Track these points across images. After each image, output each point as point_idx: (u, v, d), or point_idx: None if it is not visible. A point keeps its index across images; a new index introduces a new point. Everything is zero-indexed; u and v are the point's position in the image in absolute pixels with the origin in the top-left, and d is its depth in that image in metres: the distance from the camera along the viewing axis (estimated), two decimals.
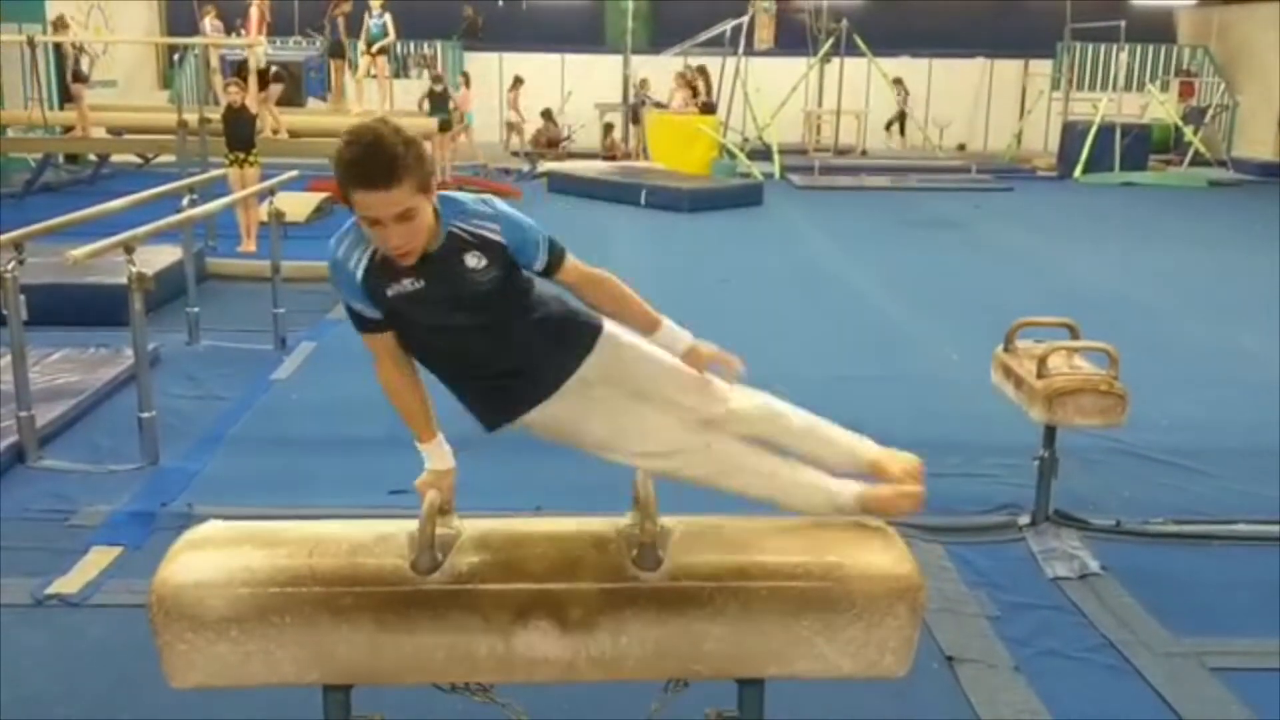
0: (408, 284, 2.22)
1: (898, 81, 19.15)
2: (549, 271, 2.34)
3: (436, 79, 14.92)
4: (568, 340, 2.38)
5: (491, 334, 2.31)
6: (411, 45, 19.08)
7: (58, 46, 13.37)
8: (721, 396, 2.46)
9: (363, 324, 2.31)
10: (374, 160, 2.07)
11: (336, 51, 14.66)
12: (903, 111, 19.76)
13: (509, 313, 2.32)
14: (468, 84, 16.89)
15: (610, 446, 2.44)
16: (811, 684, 2.47)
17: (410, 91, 16.57)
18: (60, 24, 12.72)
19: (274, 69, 12.15)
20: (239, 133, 9.66)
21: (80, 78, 12.67)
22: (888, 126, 19.89)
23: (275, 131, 11.32)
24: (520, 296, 2.34)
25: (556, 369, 2.37)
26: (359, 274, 2.24)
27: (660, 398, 2.43)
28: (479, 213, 2.26)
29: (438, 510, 2.25)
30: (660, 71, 17.82)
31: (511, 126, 18.98)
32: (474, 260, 2.23)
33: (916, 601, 2.25)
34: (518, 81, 18.89)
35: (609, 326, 2.43)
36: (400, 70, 18.14)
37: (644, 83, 17.81)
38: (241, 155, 9.63)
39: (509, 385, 2.38)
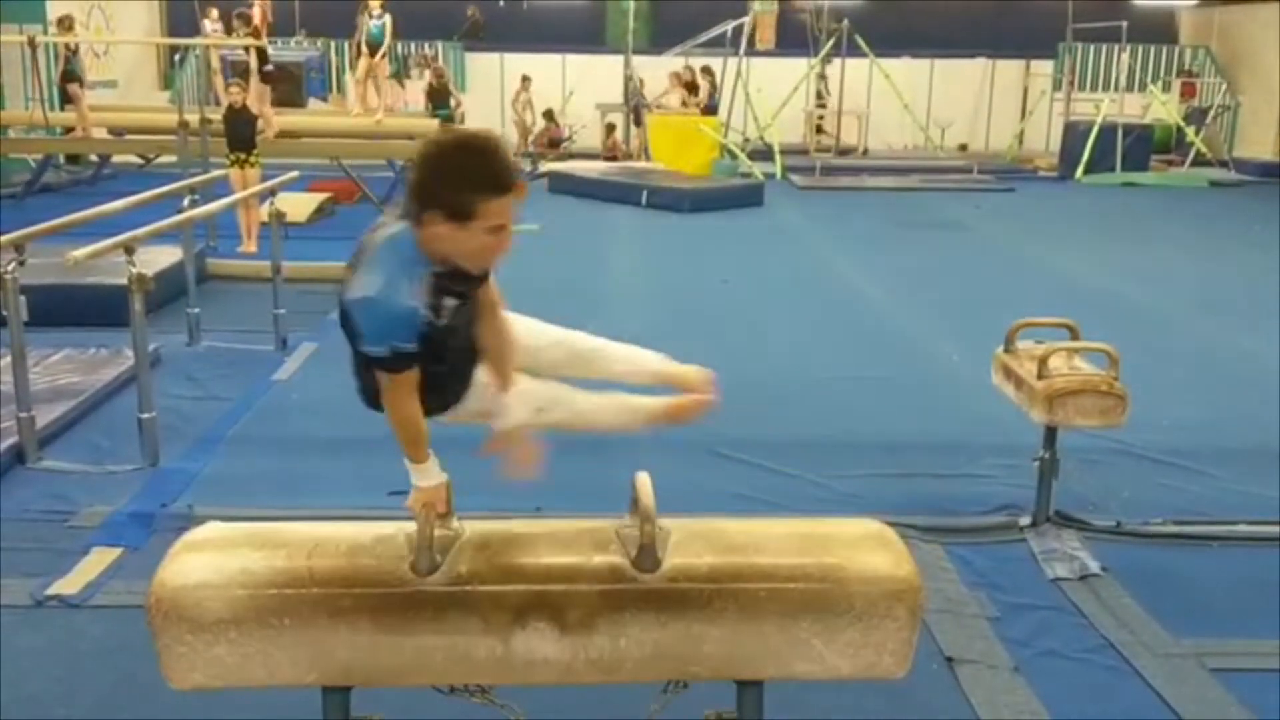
0: (460, 292, 2.32)
1: (822, 77, 18.71)
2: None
3: (438, 74, 14.92)
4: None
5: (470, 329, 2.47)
6: (413, 46, 19.08)
7: (58, 47, 13.35)
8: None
9: (400, 363, 2.25)
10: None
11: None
12: (822, 107, 19.16)
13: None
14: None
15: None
16: (811, 685, 2.47)
17: (409, 92, 16.55)
18: (68, 25, 12.64)
19: (267, 67, 11.84)
20: (240, 133, 9.67)
21: (72, 77, 12.58)
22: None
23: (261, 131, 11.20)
24: None
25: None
26: (414, 297, 2.20)
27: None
28: None
29: (436, 512, 2.26)
30: (661, 72, 17.82)
31: (519, 126, 18.91)
32: None
33: (915, 603, 2.25)
34: (525, 81, 18.86)
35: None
36: (402, 71, 18.11)
37: (641, 82, 17.82)
38: (242, 156, 9.64)
39: (459, 384, 2.54)
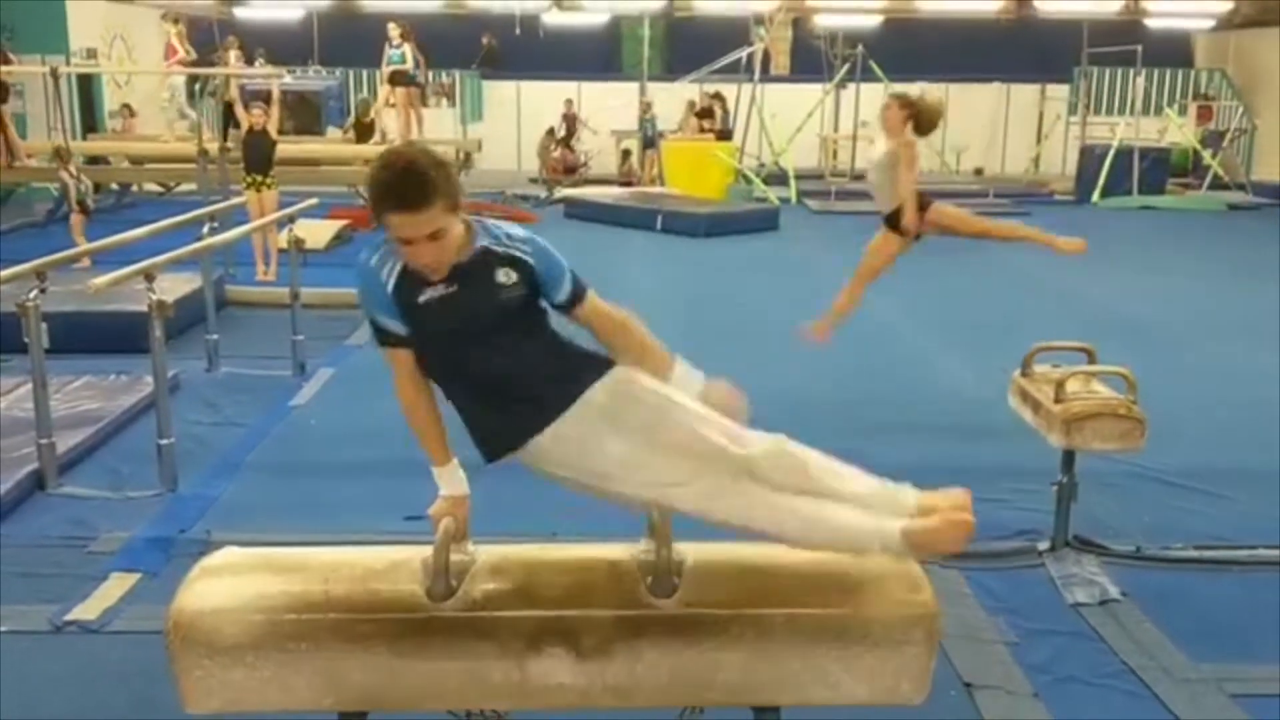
0: (440, 289, 2.29)
1: (569, 102, 18.68)
2: (570, 305, 2.38)
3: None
4: (578, 366, 2.37)
5: (507, 348, 2.32)
6: (430, 75, 19.19)
7: (84, 81, 13.45)
8: (739, 437, 2.32)
9: (384, 338, 2.36)
10: (407, 183, 2.17)
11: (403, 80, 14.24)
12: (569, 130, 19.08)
13: (526, 332, 2.35)
14: None
15: (618, 476, 2.30)
16: (828, 710, 2.45)
17: (427, 119, 16.64)
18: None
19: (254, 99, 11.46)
20: (257, 155, 9.71)
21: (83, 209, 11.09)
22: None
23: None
24: (539, 318, 2.39)
25: (562, 393, 2.31)
26: (390, 284, 2.30)
27: (680, 431, 2.29)
28: (512, 236, 2.36)
29: (452, 537, 2.26)
30: (676, 99, 17.88)
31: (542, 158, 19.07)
32: (503, 276, 2.31)
33: (933, 628, 2.25)
34: (552, 132, 19.06)
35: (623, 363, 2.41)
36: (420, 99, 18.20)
37: (650, 106, 17.91)
38: (259, 178, 9.68)
39: (515, 409, 2.33)
